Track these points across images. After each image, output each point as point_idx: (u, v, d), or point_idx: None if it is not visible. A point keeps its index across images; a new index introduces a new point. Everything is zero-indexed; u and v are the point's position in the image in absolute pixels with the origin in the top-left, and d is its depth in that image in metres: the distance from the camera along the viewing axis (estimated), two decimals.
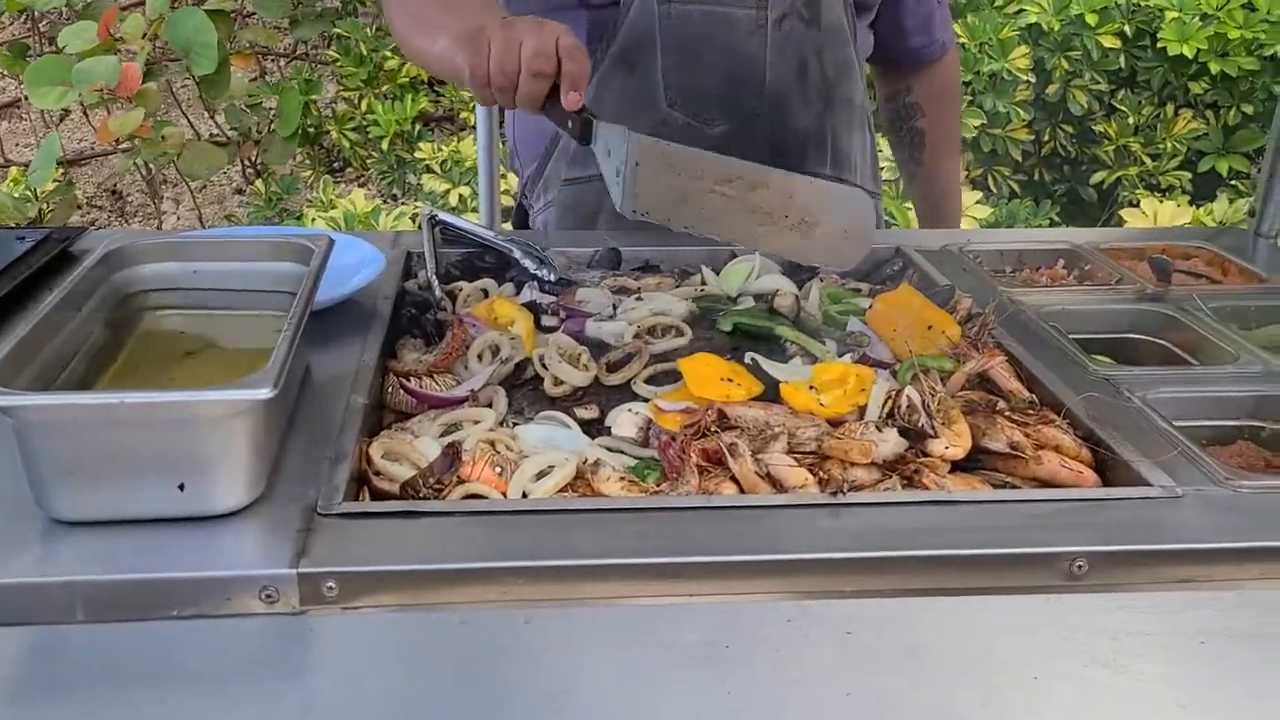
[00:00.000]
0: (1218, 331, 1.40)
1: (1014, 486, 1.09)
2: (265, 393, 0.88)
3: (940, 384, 1.19)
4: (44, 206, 3.69)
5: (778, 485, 1.06)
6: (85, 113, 4.18)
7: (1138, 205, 3.84)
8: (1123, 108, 4.12)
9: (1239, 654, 0.89)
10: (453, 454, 1.05)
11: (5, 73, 4.84)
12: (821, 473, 1.07)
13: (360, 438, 1.10)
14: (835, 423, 1.15)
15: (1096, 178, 4.19)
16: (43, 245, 1.47)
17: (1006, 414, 1.17)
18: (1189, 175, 4.13)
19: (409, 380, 1.24)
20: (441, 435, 1.14)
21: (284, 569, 0.89)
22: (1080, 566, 0.95)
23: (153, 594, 0.88)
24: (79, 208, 4.42)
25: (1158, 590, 0.95)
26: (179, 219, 4.48)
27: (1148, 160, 4.12)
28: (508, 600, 0.91)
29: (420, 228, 1.63)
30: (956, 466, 1.11)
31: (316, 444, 1.07)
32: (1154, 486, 1.04)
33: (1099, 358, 1.36)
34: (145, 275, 1.18)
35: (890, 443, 1.09)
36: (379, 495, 1.06)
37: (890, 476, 1.08)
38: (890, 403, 1.16)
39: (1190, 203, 4.02)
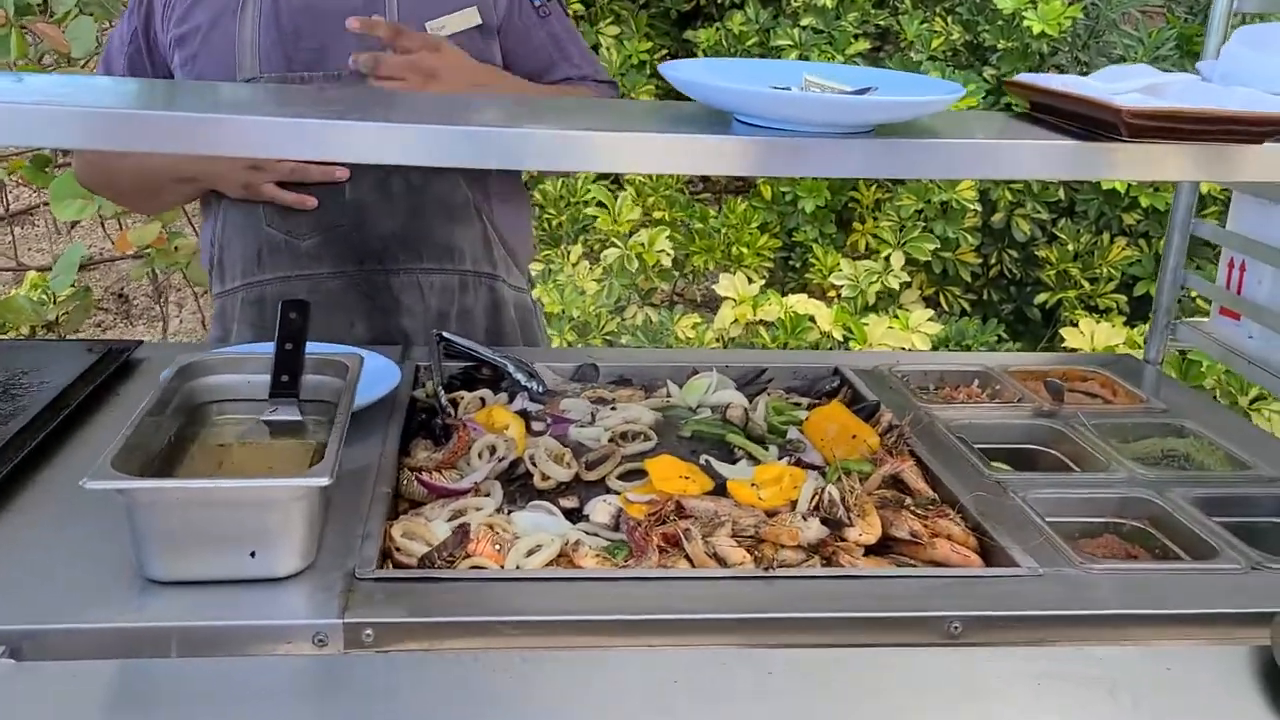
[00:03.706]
0: (1096, 445, 1.68)
1: (914, 566, 1.35)
2: (325, 480, 1.14)
3: (859, 483, 1.46)
4: (60, 312, 3.95)
5: (722, 562, 1.31)
6: (103, 223, 4.48)
7: (1077, 325, 4.18)
8: (1063, 235, 4.49)
9: (1065, 690, 1.15)
10: (462, 533, 1.30)
11: (22, 182, 5.14)
12: (757, 553, 1.33)
13: (384, 520, 1.35)
14: (771, 513, 1.41)
15: (1040, 298, 4.54)
16: (108, 356, 1.73)
17: (910, 508, 1.43)
18: (1125, 298, 4.48)
19: (421, 474, 1.50)
20: (450, 519, 1.40)
21: (333, 619, 1.13)
22: (956, 627, 1.21)
23: (230, 637, 1.12)
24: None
25: (1016, 646, 1.21)
26: (181, 322, 4.75)
27: (1086, 284, 4.47)
28: (508, 647, 1.16)
29: (426, 344, 1.91)
30: (869, 550, 1.37)
31: (349, 524, 1.33)
32: (1021, 567, 1.30)
33: (997, 465, 1.63)
34: (210, 385, 1.45)
35: (813, 530, 1.35)
36: (399, 567, 1.31)
37: (813, 557, 1.34)
38: (816, 498, 1.42)
39: (1126, 323, 4.36)
